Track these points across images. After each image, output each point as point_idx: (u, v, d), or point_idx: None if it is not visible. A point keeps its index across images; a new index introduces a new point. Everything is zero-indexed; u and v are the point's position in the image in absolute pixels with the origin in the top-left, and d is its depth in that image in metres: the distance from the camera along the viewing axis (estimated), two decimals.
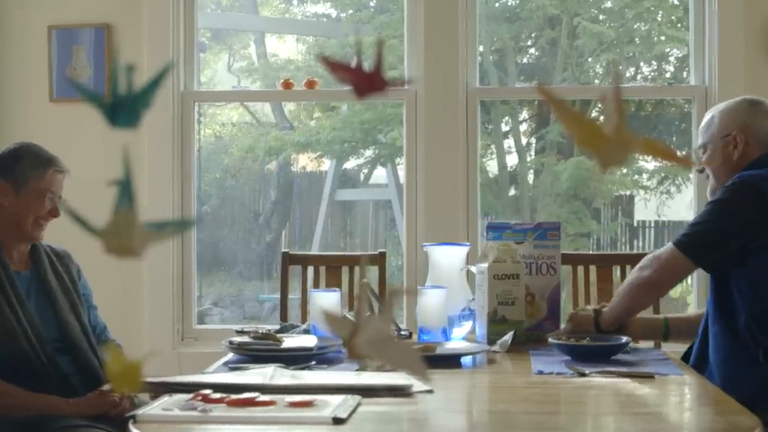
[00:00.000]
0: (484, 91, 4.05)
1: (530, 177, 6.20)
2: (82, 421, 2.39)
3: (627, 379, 2.19)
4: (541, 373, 2.27)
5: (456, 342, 2.64)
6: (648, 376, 2.21)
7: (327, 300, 2.66)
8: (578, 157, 5.64)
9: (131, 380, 1.01)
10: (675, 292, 5.09)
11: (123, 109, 0.97)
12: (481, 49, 4.17)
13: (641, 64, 5.61)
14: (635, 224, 6.64)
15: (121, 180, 0.99)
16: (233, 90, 4.30)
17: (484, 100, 4.10)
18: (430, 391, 2.03)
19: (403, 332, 2.85)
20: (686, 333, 2.71)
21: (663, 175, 6.21)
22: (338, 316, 2.44)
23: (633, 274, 2.61)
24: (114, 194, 0.99)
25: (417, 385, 2.04)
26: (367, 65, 1.03)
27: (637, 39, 5.44)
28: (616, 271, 3.26)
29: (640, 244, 6.55)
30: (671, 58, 5.53)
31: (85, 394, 2.45)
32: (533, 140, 6.35)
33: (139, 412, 1.83)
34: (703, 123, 2.65)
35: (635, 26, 5.48)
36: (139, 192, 1.52)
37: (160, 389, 2.02)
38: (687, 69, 4.26)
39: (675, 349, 2.80)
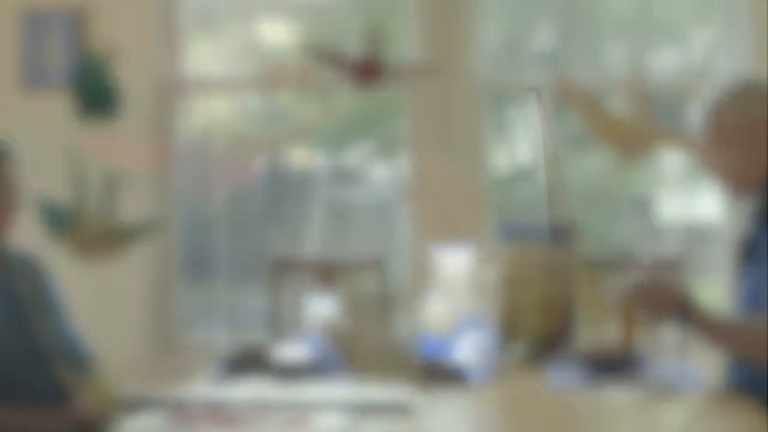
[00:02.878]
0: (493, 81, 4.05)
1: (545, 174, 6.20)
2: None
3: (650, 395, 2.19)
4: (556, 388, 2.27)
5: (463, 353, 2.64)
6: (673, 392, 2.22)
7: (324, 307, 2.66)
8: (598, 153, 5.63)
9: (107, 399, 1.02)
10: None
11: (97, 100, 0.98)
12: (490, 34, 4.17)
13: (664, 50, 5.63)
14: (659, 225, 6.63)
15: (76, 184, 0.99)
16: (219, 78, 4.29)
17: (493, 90, 4.09)
18: (432, 408, 2.03)
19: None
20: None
21: (690, 171, 6.21)
22: (337, 324, 2.44)
23: None
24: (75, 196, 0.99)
25: (418, 400, 2.04)
26: (366, 54, 1.03)
27: (659, 23, 5.45)
28: None
29: (664, 246, 6.54)
30: (697, 45, 5.56)
31: (52, 407, 2.46)
32: (548, 134, 6.35)
33: (120, 430, 1.83)
34: (710, 114, 2.41)
35: (657, 9, 5.48)
36: (115, 190, 1.52)
37: (141, 405, 2.02)
38: (716, 56, 4.26)
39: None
